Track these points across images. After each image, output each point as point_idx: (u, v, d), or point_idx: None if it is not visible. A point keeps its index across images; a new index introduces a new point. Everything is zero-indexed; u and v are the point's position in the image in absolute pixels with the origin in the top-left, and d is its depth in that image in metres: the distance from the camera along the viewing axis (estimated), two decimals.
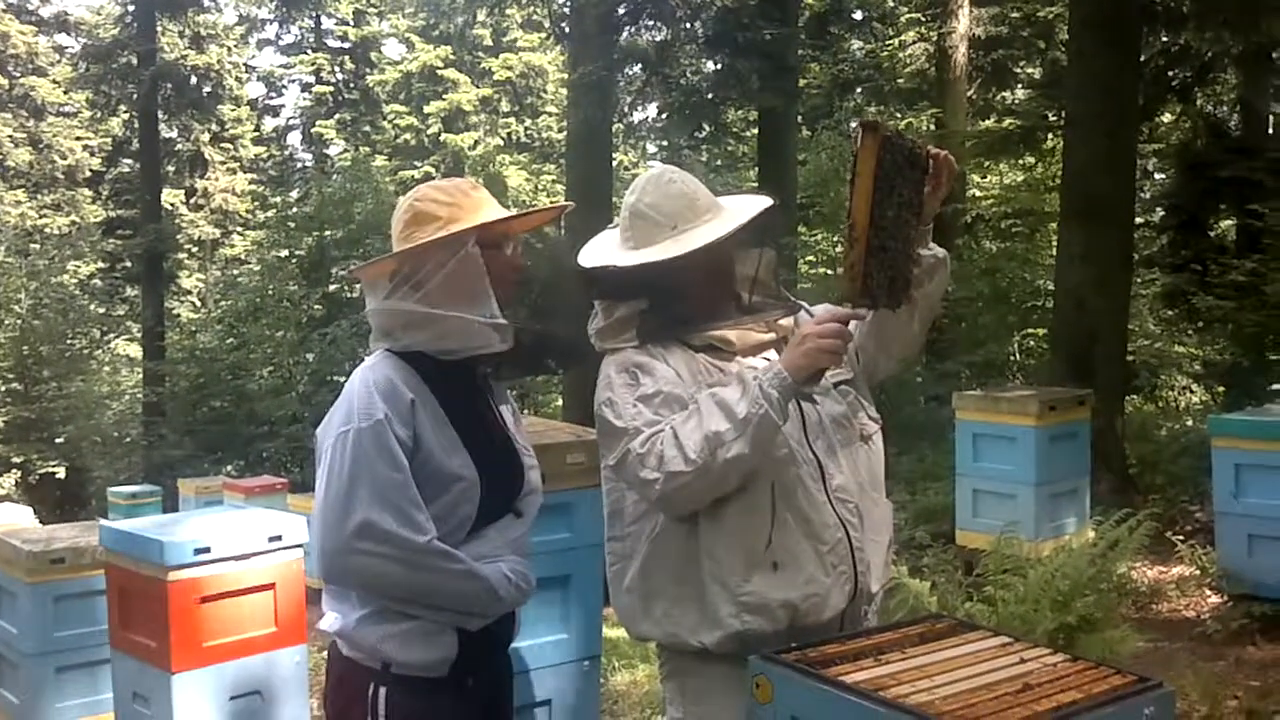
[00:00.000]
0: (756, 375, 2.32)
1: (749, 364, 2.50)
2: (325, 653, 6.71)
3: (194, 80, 28.78)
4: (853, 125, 17.93)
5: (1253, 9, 10.27)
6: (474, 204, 2.48)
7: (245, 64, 35.03)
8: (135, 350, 26.67)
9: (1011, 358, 14.25)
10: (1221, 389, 12.82)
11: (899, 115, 18.24)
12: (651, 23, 15.49)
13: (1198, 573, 6.88)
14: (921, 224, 2.44)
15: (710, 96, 15.60)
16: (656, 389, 2.42)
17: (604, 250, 2.61)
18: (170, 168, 30.82)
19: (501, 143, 34.28)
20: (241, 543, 4.49)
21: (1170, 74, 13.60)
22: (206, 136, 31.85)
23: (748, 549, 2.39)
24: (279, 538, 4.61)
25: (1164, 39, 12.81)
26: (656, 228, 2.51)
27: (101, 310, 26.18)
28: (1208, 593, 6.70)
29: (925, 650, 2.28)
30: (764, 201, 2.57)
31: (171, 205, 30.28)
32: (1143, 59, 11.54)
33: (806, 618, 2.40)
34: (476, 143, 33.77)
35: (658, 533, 2.46)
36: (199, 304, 31.05)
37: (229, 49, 32.57)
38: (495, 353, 2.45)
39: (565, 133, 18.68)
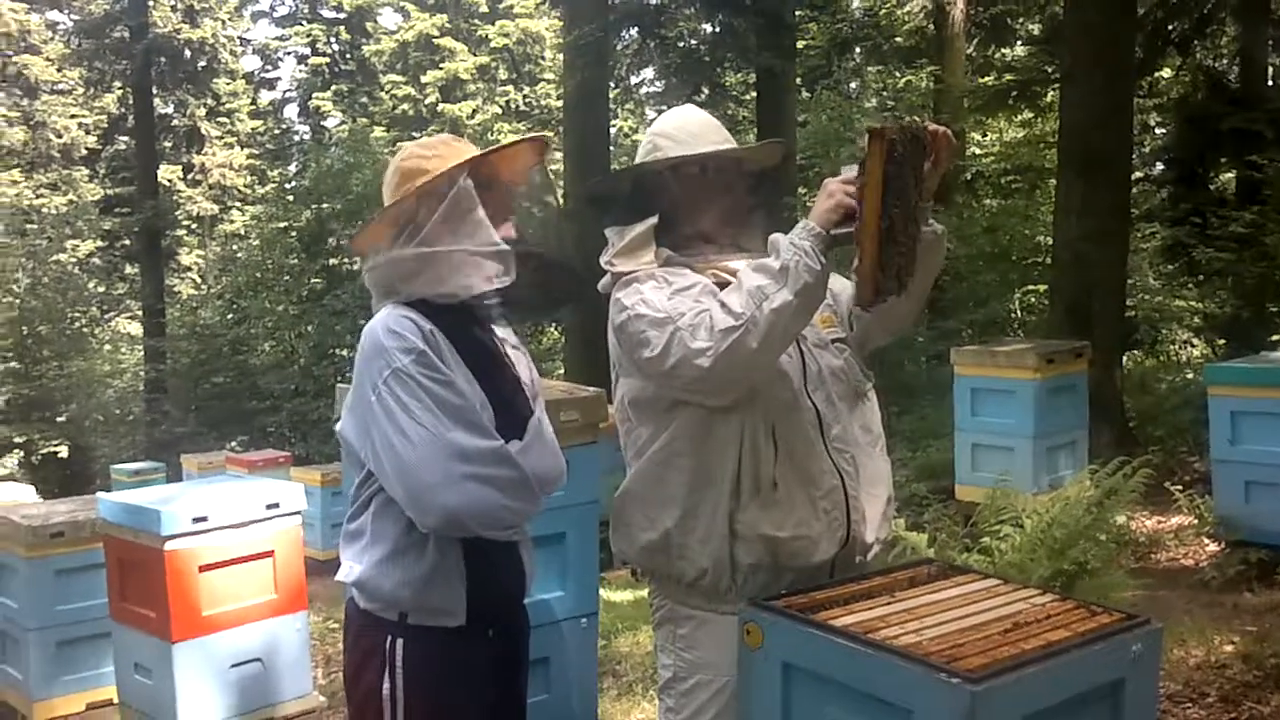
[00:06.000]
0: (786, 235, 2.36)
1: None
2: (327, 621, 6.78)
3: (188, 54, 28.71)
4: (853, 94, 17.83)
5: None
6: (458, 151, 2.50)
7: (240, 37, 34.87)
8: (136, 328, 26.68)
9: (1013, 314, 14.23)
10: (1222, 341, 12.79)
11: (898, 74, 18.14)
12: None
13: (1195, 521, 6.88)
14: (923, 201, 2.42)
15: (707, 58, 15.50)
16: (692, 282, 2.46)
17: None
18: (167, 144, 30.76)
19: (500, 111, 34.18)
20: (239, 511, 4.52)
21: (1169, 27, 13.49)
22: (202, 111, 31.75)
23: (754, 480, 2.43)
24: (276, 505, 4.64)
25: None
26: (676, 144, 2.59)
27: (101, 289, 26.19)
28: (1206, 541, 6.71)
29: (915, 594, 2.30)
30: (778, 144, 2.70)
31: (169, 182, 30.23)
32: (1141, 12, 11.45)
33: (794, 559, 2.42)
34: (475, 111, 33.68)
35: (669, 458, 2.49)
36: (199, 280, 31.04)
37: (223, 22, 32.41)
38: (497, 292, 2.44)
39: (562, 98, 18.59)
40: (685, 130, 2.62)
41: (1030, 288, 14.12)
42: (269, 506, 4.61)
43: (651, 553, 2.53)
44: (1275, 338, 10.61)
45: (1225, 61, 15.39)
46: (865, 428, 2.60)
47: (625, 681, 5.39)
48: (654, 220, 2.55)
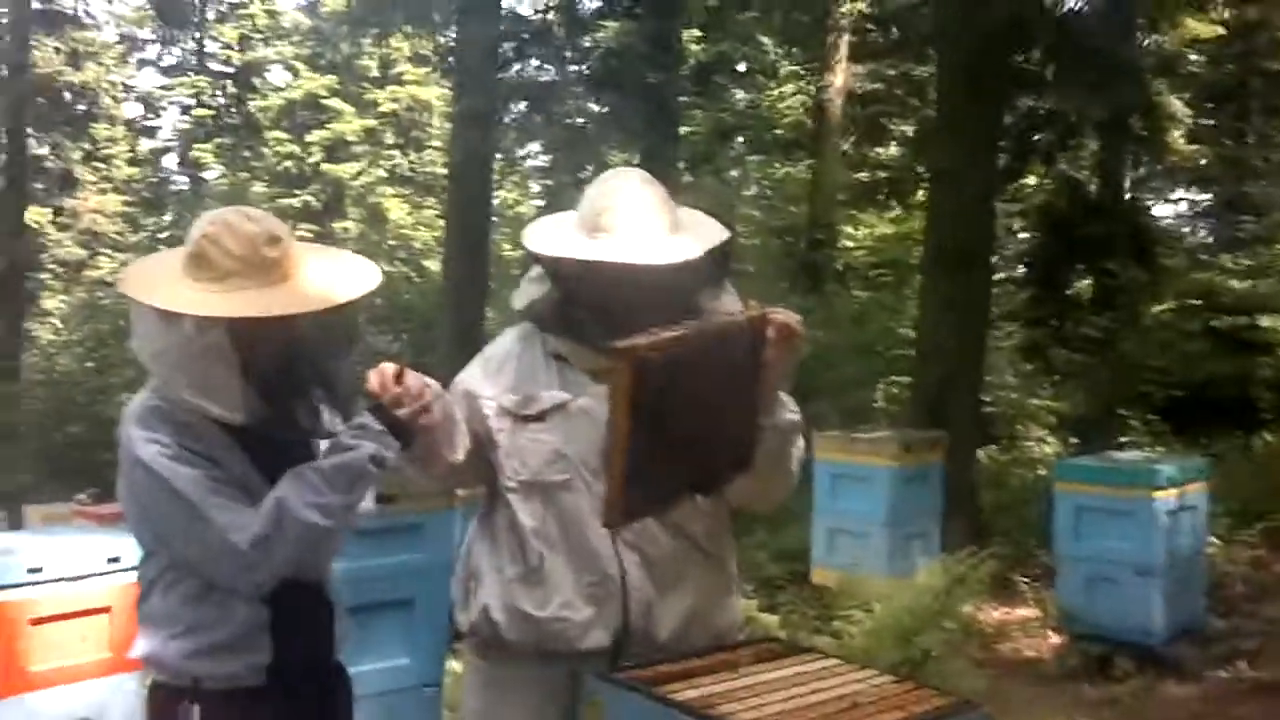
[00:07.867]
0: None
1: (593, 388, 2.45)
2: None
3: (68, 97, 28.01)
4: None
5: (1108, 78, 10.78)
6: (263, 268, 2.24)
7: (124, 83, 34.15)
8: None
9: (875, 404, 14.51)
10: (1074, 440, 13.22)
11: (777, 165, 18.58)
12: (538, 62, 15.58)
13: (1040, 614, 7.06)
14: (761, 397, 2.35)
15: (592, 137, 15.70)
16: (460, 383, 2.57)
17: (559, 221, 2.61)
18: (39, 185, 29.80)
19: (384, 175, 33.94)
20: (77, 564, 4.35)
21: (1035, 137, 14.12)
22: (78, 155, 30.92)
23: (521, 555, 2.46)
24: (117, 559, 4.47)
25: (1030, 103, 13.31)
26: (575, 214, 2.52)
27: None
28: (1049, 633, 6.90)
29: (757, 670, 2.31)
30: (711, 239, 2.49)
31: (37, 224, 29.24)
32: (1009, 121, 11.96)
33: (556, 641, 2.42)
34: (360, 174, 33.39)
35: (478, 522, 2.61)
36: (59, 326, 29.96)
37: (108, 67, 31.73)
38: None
39: (447, 166, 18.61)
40: (586, 203, 2.50)
41: (894, 379, 14.43)
42: (110, 560, 4.45)
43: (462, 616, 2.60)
44: (1124, 439, 11.04)
45: (1086, 172, 16.15)
46: (685, 535, 2.51)
47: None
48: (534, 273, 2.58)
